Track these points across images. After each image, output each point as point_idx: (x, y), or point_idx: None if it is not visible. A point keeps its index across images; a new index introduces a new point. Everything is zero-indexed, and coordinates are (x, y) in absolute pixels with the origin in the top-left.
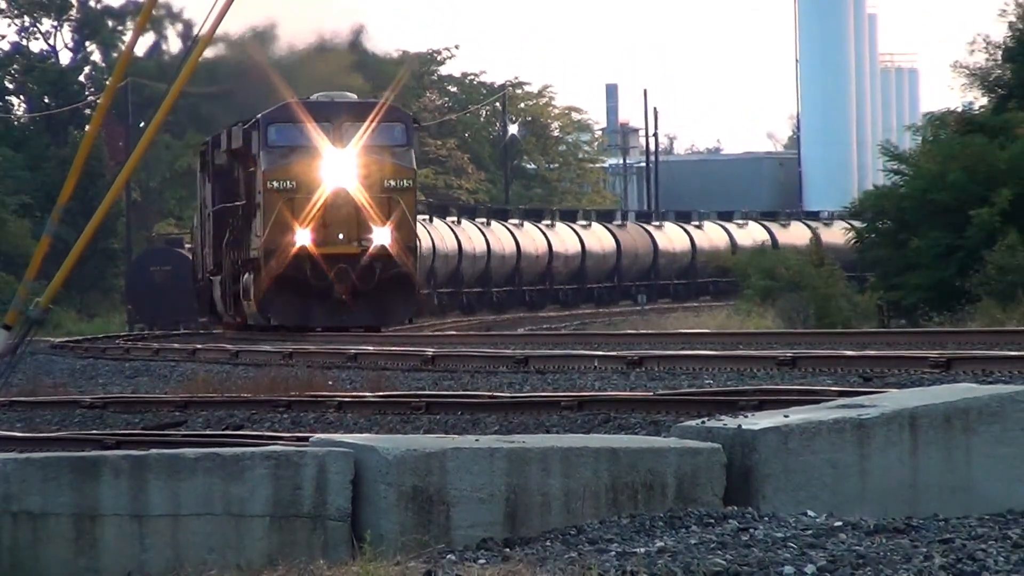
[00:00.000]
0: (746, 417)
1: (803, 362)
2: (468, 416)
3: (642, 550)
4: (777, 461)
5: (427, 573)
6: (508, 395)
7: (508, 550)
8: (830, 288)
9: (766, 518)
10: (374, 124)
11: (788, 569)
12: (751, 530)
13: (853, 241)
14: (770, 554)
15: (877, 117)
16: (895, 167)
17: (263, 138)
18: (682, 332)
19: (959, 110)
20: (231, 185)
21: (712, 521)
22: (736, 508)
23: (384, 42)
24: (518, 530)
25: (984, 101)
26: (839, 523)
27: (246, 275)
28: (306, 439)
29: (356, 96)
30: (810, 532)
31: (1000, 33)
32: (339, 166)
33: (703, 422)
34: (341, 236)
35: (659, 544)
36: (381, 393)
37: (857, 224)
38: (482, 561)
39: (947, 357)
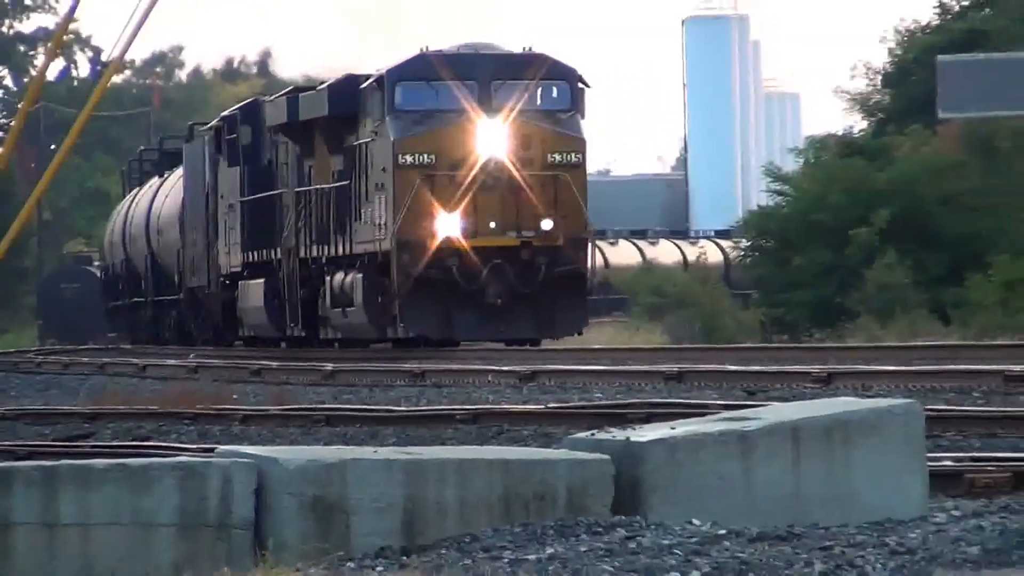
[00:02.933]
0: (634, 430)
1: (689, 376)
2: (367, 429)
3: (533, 557)
4: (664, 472)
5: None
6: (405, 408)
7: (405, 558)
8: (715, 305)
9: (653, 527)
10: (533, 83)
11: (674, 575)
12: (638, 538)
13: (737, 259)
14: (656, 561)
15: (761, 140)
16: (778, 188)
17: (389, 100)
18: (573, 348)
19: (840, 133)
20: (269, 168)
21: (601, 530)
22: (624, 517)
23: (290, 67)
24: (415, 538)
25: (864, 125)
26: (723, 531)
27: (342, 276)
28: (211, 451)
29: (504, 48)
30: (695, 540)
31: (880, 59)
32: (491, 136)
33: (593, 434)
34: (494, 224)
35: (550, 551)
36: (283, 406)
37: (724, 243)
38: (380, 568)
39: (828, 372)
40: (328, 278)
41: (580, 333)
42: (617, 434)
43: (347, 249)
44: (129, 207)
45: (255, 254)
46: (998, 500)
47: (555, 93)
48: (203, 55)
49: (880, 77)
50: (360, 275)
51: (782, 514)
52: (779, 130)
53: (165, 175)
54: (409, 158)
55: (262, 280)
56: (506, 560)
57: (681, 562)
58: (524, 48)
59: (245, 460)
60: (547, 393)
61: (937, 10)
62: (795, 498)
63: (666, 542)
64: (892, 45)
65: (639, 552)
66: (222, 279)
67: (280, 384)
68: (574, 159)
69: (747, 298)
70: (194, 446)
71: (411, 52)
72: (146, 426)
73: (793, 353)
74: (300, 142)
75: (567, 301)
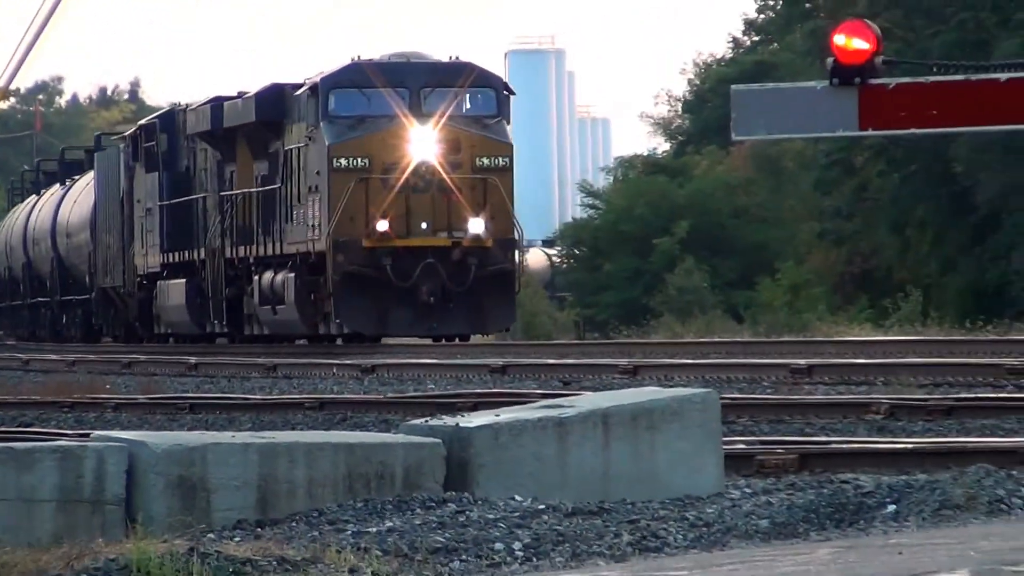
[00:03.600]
0: (463, 416)
1: (512, 369)
2: (225, 415)
3: (374, 529)
4: (489, 454)
5: (190, 549)
6: (260, 397)
7: (260, 530)
8: (535, 306)
9: (480, 502)
10: (461, 90)
11: (499, 545)
12: (467, 512)
13: (552, 265)
14: (483, 533)
15: (576, 160)
16: (591, 202)
17: (323, 106)
18: (408, 344)
19: (645, 154)
20: (188, 174)
21: (434, 505)
22: (454, 493)
23: (158, 94)
24: (268, 513)
25: (666, 146)
26: (542, 506)
27: (272, 275)
28: (87, 435)
29: (433, 57)
30: (517, 514)
31: (681, 88)
32: (421, 141)
33: (427, 421)
34: (425, 226)
35: (388, 524)
36: (151, 396)
37: (549, 251)
38: (237, 539)
39: (634, 365)
40: (256, 277)
41: (508, 329)
42: (448, 420)
43: (277, 249)
44: (31, 213)
45: (175, 255)
46: (786, 479)
47: (482, 100)
48: (80, 84)
49: (680, 104)
50: (292, 274)
51: (594, 491)
52: (592, 151)
53: (68, 183)
54: (344, 162)
55: (183, 280)
56: (349, 532)
57: (505, 534)
58: (451, 57)
59: (117, 444)
60: (386, 384)
61: (731, 45)
62: (605, 477)
63: (492, 516)
64: (691, 76)
65: (468, 525)
66: (139, 279)
67: (148, 375)
68: (501, 163)
69: (559, 300)
70: (72, 431)
71: (344, 61)
72: (29, 414)
73: (603, 348)
74: (221, 148)
75: (496, 299)
